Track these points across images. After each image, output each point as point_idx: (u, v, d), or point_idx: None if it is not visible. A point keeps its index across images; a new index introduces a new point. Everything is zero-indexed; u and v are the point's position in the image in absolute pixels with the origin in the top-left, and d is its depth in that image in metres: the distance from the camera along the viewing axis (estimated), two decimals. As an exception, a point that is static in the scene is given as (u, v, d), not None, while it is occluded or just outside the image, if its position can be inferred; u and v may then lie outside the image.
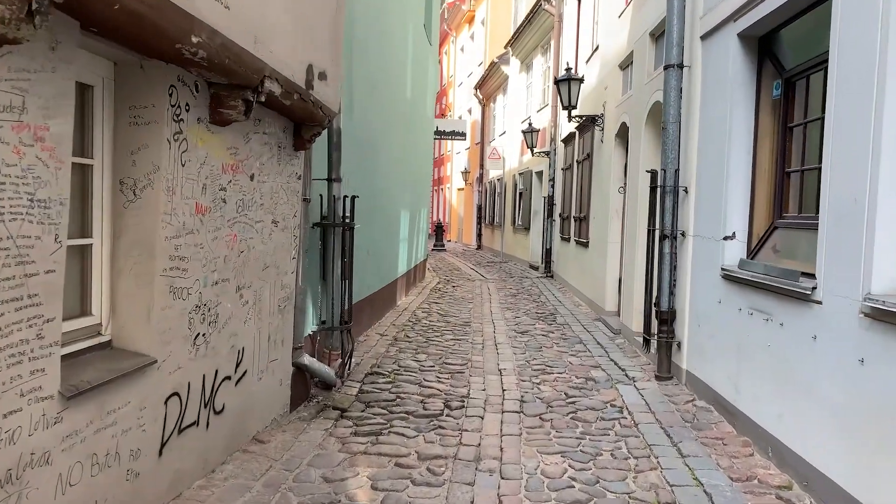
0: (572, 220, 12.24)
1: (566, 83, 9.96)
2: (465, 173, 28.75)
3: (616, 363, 6.62)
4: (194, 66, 2.92)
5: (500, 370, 6.37)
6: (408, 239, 11.06)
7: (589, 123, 10.09)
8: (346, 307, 5.27)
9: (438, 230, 25.96)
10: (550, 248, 15.01)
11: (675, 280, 5.86)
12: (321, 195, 5.02)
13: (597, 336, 8.07)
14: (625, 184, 8.79)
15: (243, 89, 3.25)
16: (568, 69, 10.13)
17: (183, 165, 3.08)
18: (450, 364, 6.55)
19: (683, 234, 5.77)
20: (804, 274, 3.82)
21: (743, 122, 4.89)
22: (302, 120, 4.29)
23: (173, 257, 3.06)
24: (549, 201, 14.85)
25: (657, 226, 5.98)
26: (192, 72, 3.01)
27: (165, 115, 2.92)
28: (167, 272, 3.02)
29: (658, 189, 5.96)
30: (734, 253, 4.92)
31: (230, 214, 3.59)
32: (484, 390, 5.69)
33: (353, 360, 5.79)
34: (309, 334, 5.11)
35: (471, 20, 29.37)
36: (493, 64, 22.43)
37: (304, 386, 4.98)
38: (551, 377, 6.14)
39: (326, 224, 5.08)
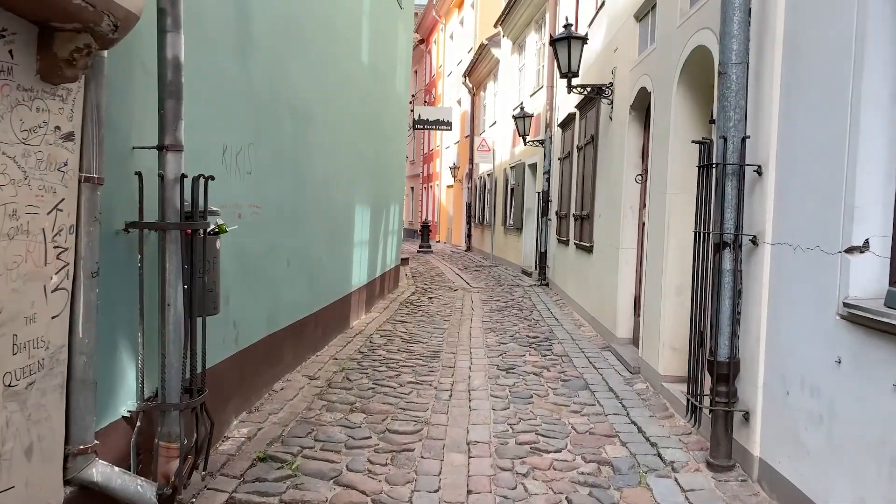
0: (571, 218, 10.10)
1: (565, 43, 7.80)
2: (454, 169, 26.56)
3: (641, 429, 4.49)
4: None
5: (468, 444, 4.22)
6: (369, 242, 8.91)
7: (594, 96, 7.95)
8: (199, 367, 3.11)
9: (424, 230, 23.81)
10: (545, 251, 12.88)
11: (739, 313, 3.73)
12: (139, 174, 2.86)
13: (608, 377, 5.93)
14: (643, 170, 6.66)
15: None
16: (567, 25, 7.98)
17: None
18: (396, 433, 4.40)
19: (755, 241, 3.64)
20: None
21: (888, 44, 2.76)
22: (42, 15, 2.14)
23: None
24: (544, 197, 12.71)
25: (710, 227, 3.84)
26: None
27: None
28: None
29: (711, 169, 3.82)
30: (867, 276, 2.78)
31: None
32: (438, 490, 3.55)
33: (214, 446, 3.64)
34: (125, 416, 2.95)
35: (460, 4, 27.19)
36: (482, 47, 20.26)
37: (111, 511, 2.82)
38: (545, 460, 3.99)
39: (150, 226, 2.92)
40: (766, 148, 3.56)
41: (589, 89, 7.86)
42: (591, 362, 6.49)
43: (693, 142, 4.01)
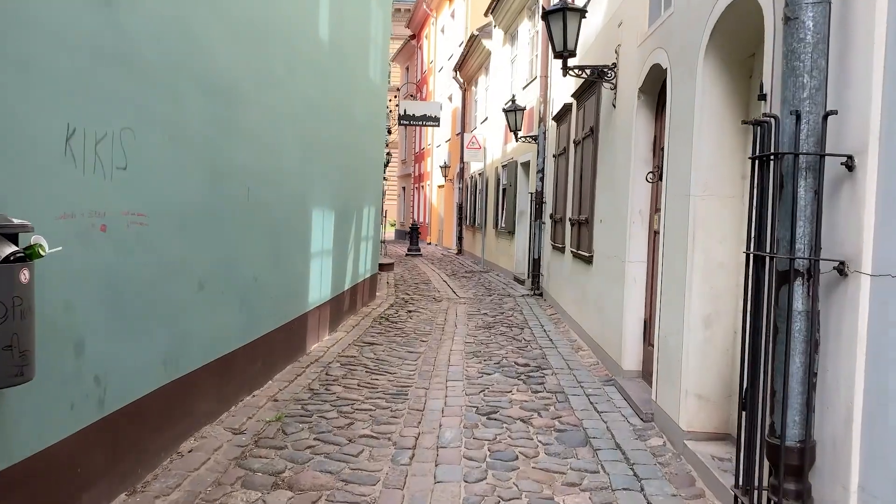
0: (567, 223, 8.90)
1: (559, 17, 6.58)
2: (445, 168, 25.33)
3: (663, 519, 3.29)
4: None
5: (423, 548, 3.02)
6: (333, 252, 7.68)
7: (594, 80, 6.75)
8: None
9: (413, 232, 22.60)
10: (539, 258, 11.70)
11: (815, 374, 2.52)
12: None
13: (613, 425, 4.72)
14: (655, 167, 5.47)
15: None
16: (562, -5, 6.77)
17: None
18: (325, 525, 3.19)
19: (842, 270, 2.43)
20: None
21: None
22: None
23: None
24: (538, 198, 11.52)
25: (770, 247, 2.63)
26: None
27: None
28: None
29: (773, 162, 2.61)
30: None
31: None
32: None
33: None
34: None
35: (451, -4, 26.00)
36: (472, 38, 19.07)
37: None
38: (530, 581, 2.78)
39: None
40: (862, 129, 2.36)
41: (588, 71, 6.65)
42: (592, 403, 5.28)
43: (744, 122, 2.80)
